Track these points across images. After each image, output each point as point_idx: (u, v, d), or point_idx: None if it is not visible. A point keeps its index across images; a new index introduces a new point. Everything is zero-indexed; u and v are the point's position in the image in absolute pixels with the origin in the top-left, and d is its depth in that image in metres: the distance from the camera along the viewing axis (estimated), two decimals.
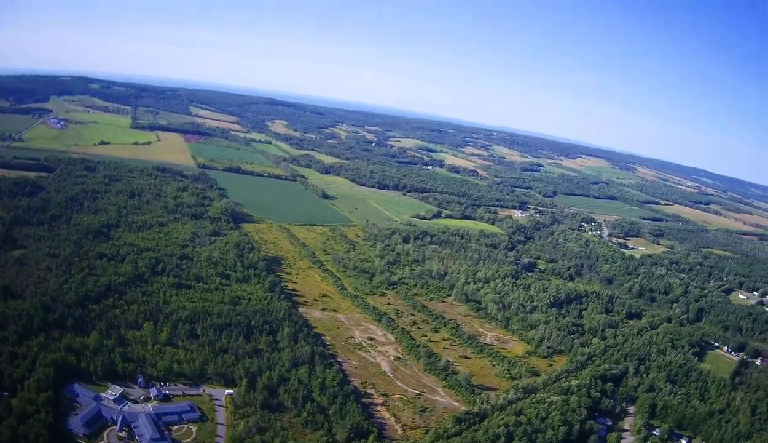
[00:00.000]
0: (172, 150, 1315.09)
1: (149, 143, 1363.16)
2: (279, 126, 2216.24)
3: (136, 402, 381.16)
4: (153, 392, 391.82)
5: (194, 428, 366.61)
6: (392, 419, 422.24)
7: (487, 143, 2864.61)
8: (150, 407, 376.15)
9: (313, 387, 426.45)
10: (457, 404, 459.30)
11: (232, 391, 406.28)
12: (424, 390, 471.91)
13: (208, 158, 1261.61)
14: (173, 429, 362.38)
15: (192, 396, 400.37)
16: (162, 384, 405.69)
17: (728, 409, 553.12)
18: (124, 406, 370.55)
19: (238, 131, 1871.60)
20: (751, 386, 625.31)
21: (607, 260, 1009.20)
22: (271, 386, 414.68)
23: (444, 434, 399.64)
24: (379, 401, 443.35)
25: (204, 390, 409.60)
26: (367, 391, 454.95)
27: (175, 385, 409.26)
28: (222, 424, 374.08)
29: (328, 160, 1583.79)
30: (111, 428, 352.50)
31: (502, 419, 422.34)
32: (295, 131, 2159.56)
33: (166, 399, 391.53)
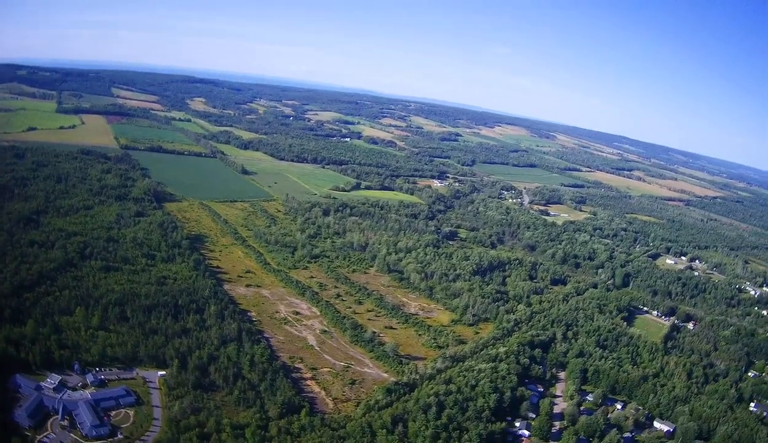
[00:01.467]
0: (95, 133, 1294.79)
1: (74, 126, 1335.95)
2: (198, 104, 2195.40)
3: (74, 389, 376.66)
4: (89, 378, 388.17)
5: (131, 412, 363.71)
6: (323, 393, 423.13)
7: (404, 113, 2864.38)
8: (88, 393, 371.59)
9: (243, 364, 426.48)
10: (385, 375, 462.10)
11: (164, 373, 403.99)
12: (352, 363, 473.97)
13: (130, 139, 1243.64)
14: (111, 414, 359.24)
15: (126, 379, 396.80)
16: (97, 369, 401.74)
17: (662, 373, 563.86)
18: (63, 394, 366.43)
19: (158, 110, 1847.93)
20: (685, 350, 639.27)
21: (529, 227, 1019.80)
22: (202, 365, 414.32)
23: (375, 406, 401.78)
24: (308, 375, 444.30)
25: (137, 373, 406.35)
26: (296, 366, 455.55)
27: (110, 370, 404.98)
28: (158, 406, 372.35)
29: (247, 135, 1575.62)
30: (54, 417, 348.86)
31: (432, 388, 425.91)
32: (214, 107, 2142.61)
33: (102, 384, 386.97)
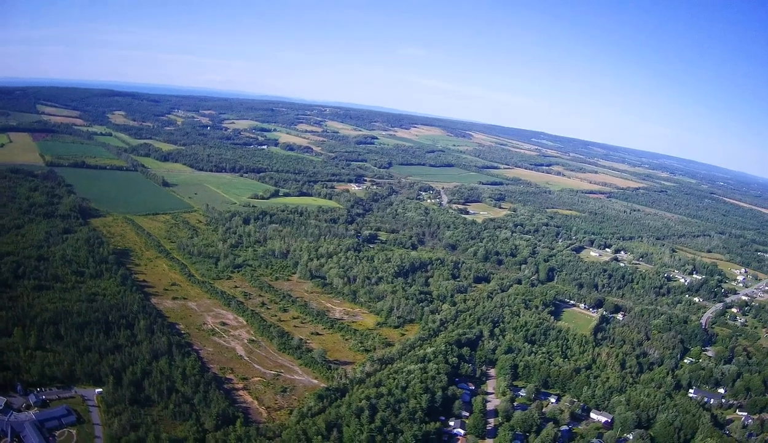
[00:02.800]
0: (22, 150, 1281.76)
1: (2, 145, 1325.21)
2: (118, 117, 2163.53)
3: (19, 410, 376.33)
4: (32, 398, 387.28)
5: (74, 431, 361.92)
6: (255, 402, 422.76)
7: (320, 119, 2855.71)
8: (32, 414, 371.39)
9: (175, 377, 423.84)
10: (316, 381, 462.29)
11: (101, 390, 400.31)
12: (282, 370, 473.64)
13: (55, 156, 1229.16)
14: (56, 434, 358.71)
15: (66, 398, 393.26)
16: (39, 389, 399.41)
17: (594, 365, 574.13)
18: (10, 416, 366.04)
19: (80, 125, 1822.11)
20: (616, 341, 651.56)
21: (449, 227, 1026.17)
22: (136, 381, 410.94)
23: (308, 412, 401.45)
24: (240, 385, 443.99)
25: (76, 392, 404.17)
26: (227, 377, 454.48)
27: (50, 389, 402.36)
28: (98, 424, 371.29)
29: (166, 147, 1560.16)
30: (4, 440, 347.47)
31: (363, 392, 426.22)
32: (134, 120, 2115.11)
33: (44, 404, 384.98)
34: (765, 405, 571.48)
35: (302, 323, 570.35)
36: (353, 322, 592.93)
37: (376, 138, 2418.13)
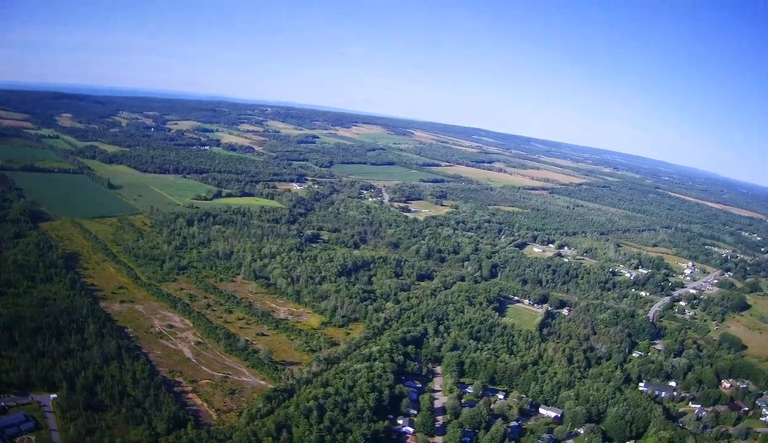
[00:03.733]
0: None
1: None
2: (65, 119, 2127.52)
3: None
4: None
5: (33, 437, 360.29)
6: (205, 405, 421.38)
7: (261, 118, 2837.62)
8: None
9: (126, 381, 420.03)
10: (263, 382, 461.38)
11: (56, 396, 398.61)
12: (230, 372, 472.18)
13: (5, 159, 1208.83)
14: (16, 441, 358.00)
15: (23, 405, 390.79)
16: None
17: (541, 360, 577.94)
18: None
19: (29, 129, 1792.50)
20: (562, 336, 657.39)
21: (390, 225, 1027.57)
22: (89, 385, 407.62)
23: (257, 414, 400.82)
24: (189, 388, 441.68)
25: (32, 398, 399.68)
26: (176, 379, 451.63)
27: (8, 396, 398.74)
28: (55, 430, 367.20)
29: (112, 149, 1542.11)
30: None
31: (311, 392, 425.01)
32: (80, 123, 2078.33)
33: (3, 411, 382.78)
34: (718, 397, 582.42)
35: (248, 324, 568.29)
36: (298, 322, 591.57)
37: (318, 137, 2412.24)
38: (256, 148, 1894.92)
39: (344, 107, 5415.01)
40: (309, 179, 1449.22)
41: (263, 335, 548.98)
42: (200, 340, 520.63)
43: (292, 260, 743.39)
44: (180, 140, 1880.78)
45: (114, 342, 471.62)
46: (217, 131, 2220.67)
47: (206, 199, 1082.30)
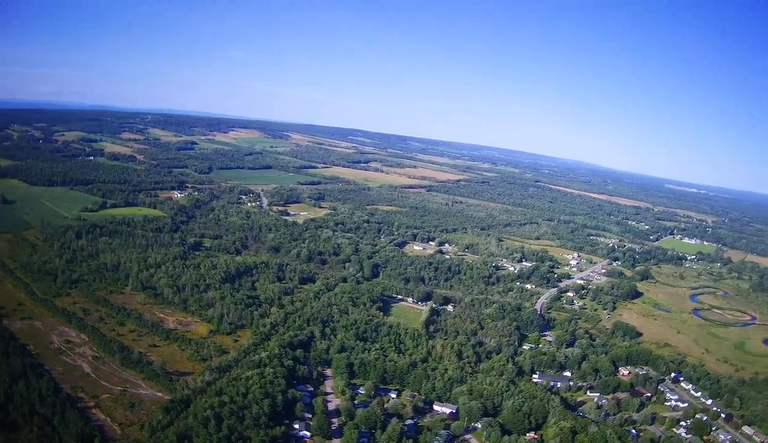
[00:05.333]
0: None
1: None
2: None
3: None
4: None
5: None
6: (108, 419, 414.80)
7: (142, 126, 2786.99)
8: None
9: (34, 400, 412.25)
10: (160, 394, 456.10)
11: None
12: (128, 386, 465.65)
13: None
14: None
15: None
16: None
17: (431, 358, 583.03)
18: None
19: None
20: (449, 332, 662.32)
21: (270, 230, 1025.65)
22: (2, 405, 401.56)
23: (158, 426, 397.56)
24: (92, 403, 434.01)
25: None
26: (79, 395, 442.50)
27: None
28: None
29: (3, 163, 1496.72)
30: None
31: (207, 402, 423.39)
32: None
33: None
34: (618, 384, 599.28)
35: (139, 336, 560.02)
36: (187, 331, 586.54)
37: (196, 143, 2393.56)
38: (138, 156, 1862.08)
39: (223, 112, 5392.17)
40: (189, 186, 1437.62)
41: (155, 346, 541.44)
42: (97, 354, 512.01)
43: (177, 269, 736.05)
44: (67, 151, 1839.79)
45: (19, 360, 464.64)
46: (101, 140, 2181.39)
47: (92, 210, 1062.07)
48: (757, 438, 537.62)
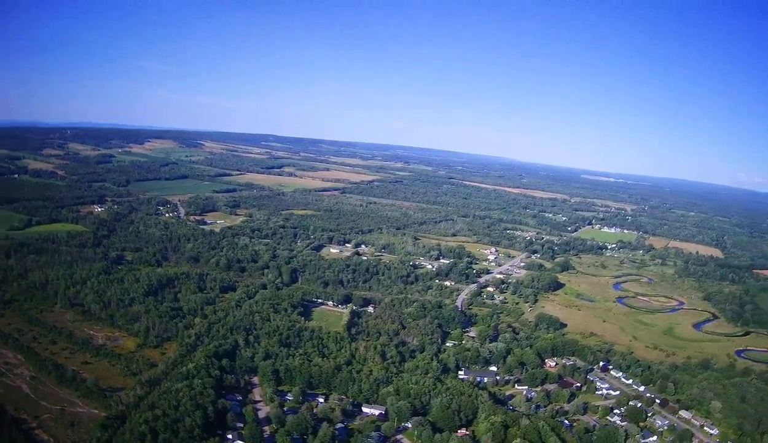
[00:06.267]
0: None
1: None
2: None
3: None
4: None
5: None
6: (52, 440, 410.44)
7: (62, 141, 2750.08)
8: None
9: None
10: (96, 411, 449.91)
11: None
12: (65, 404, 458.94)
13: None
14: None
15: None
16: None
17: (355, 360, 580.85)
18: None
19: None
20: (372, 334, 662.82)
21: (189, 240, 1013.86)
22: None
23: None
24: (35, 424, 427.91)
25: None
26: (22, 417, 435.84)
27: None
28: None
29: None
30: None
31: (141, 417, 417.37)
32: None
33: None
34: (545, 376, 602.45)
35: (72, 353, 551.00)
36: (116, 347, 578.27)
37: (114, 156, 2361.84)
38: (59, 172, 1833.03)
39: (139, 124, 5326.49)
40: (109, 199, 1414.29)
41: (88, 363, 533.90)
42: (34, 374, 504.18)
43: (102, 284, 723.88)
44: None
45: None
46: (24, 157, 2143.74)
47: (19, 229, 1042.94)
48: (696, 422, 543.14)
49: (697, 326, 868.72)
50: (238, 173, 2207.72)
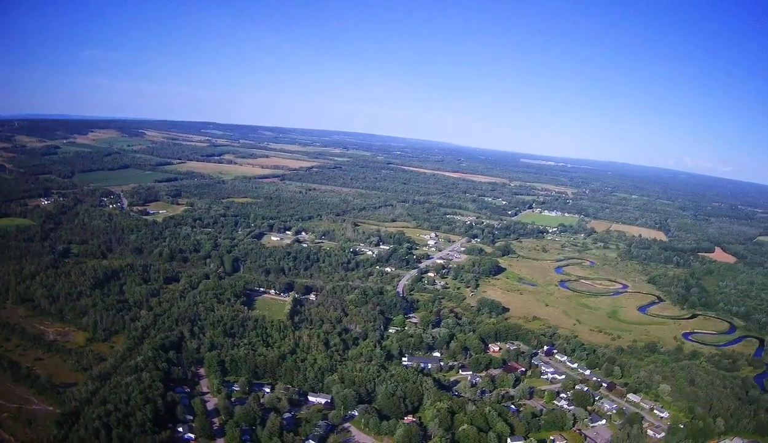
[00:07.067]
0: None
1: None
2: None
3: None
4: None
5: None
6: (12, 438, 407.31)
7: (10, 134, 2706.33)
8: None
9: None
10: (51, 408, 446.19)
11: None
12: (22, 402, 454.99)
13: None
14: None
15: None
16: None
17: (299, 349, 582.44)
18: None
19: None
20: (315, 322, 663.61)
21: (132, 231, 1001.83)
22: None
23: (54, 441, 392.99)
24: None
25: None
26: None
27: None
28: None
29: None
30: None
31: (94, 412, 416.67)
32: None
33: None
34: (489, 361, 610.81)
35: (25, 350, 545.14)
36: (66, 341, 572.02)
37: (59, 147, 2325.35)
38: (7, 166, 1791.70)
39: (86, 114, 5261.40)
40: (54, 191, 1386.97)
41: (40, 359, 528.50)
42: None
43: (50, 279, 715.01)
44: None
45: None
46: None
47: None
48: (645, 405, 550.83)
49: (641, 309, 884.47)
50: (179, 161, 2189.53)
